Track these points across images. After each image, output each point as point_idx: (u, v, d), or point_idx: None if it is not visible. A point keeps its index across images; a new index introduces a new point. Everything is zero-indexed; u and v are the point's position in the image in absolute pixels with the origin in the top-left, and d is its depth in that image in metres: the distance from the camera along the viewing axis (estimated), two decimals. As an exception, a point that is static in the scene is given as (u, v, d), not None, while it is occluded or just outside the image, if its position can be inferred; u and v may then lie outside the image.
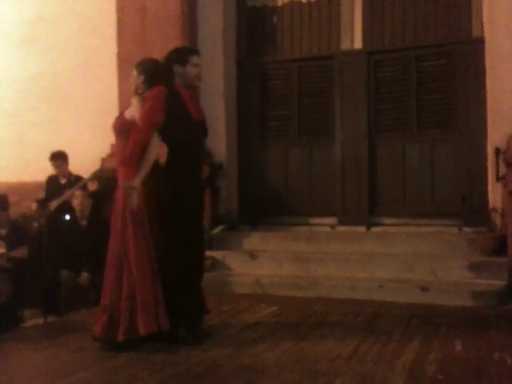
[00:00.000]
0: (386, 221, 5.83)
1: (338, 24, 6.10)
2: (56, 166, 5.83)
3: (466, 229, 5.49)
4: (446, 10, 5.74)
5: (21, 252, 4.32)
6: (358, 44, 6.06)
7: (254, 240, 5.75)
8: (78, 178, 5.73)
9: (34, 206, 5.72)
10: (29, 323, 4.22)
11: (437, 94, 5.75)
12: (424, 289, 4.58)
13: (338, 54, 6.09)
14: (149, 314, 3.35)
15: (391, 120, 5.91)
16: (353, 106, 5.98)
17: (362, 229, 5.77)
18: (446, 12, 5.75)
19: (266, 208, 6.25)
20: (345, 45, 6.11)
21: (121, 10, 6.20)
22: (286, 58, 6.31)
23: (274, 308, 4.46)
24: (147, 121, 3.42)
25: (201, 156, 3.70)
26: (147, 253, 3.42)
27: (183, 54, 3.64)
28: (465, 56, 5.65)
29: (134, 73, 3.63)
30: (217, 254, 5.43)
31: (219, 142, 6.04)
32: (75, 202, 5.27)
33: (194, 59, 3.62)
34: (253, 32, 6.43)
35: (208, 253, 4.87)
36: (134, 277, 3.38)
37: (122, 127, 3.56)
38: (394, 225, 5.76)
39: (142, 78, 3.58)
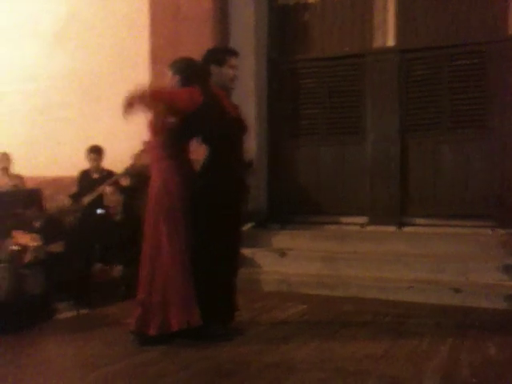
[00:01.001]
0: (418, 221, 5.75)
1: (371, 21, 6.03)
2: (93, 160, 5.95)
3: (499, 230, 5.38)
4: (481, 7, 5.62)
5: (57, 247, 4.41)
6: (390, 42, 5.99)
7: (283, 238, 5.74)
8: (110, 174, 5.82)
9: (67, 200, 5.84)
10: (62, 316, 4.30)
11: (470, 93, 5.64)
12: (456, 290, 4.51)
13: (370, 52, 6.02)
14: (181, 309, 3.38)
15: (423, 119, 5.82)
16: (384, 105, 5.90)
17: (393, 229, 5.70)
18: (481, 9, 5.63)
19: (295, 206, 6.23)
20: (377, 43, 6.04)
21: (153, 8, 6.26)
22: (317, 56, 6.27)
23: (303, 306, 4.45)
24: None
25: (240, 152, 3.68)
26: (180, 248, 3.45)
27: (221, 55, 3.63)
28: (500, 55, 5.53)
29: (169, 73, 3.63)
30: (246, 252, 5.42)
31: (249, 140, 6.01)
32: (106, 199, 5.36)
33: (232, 61, 3.61)
34: (284, 30, 6.41)
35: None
36: (166, 272, 3.41)
37: (161, 127, 3.59)
38: (425, 225, 5.67)
39: (177, 78, 3.59)
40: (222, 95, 3.61)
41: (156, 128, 3.55)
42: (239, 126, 3.66)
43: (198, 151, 3.69)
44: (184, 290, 3.42)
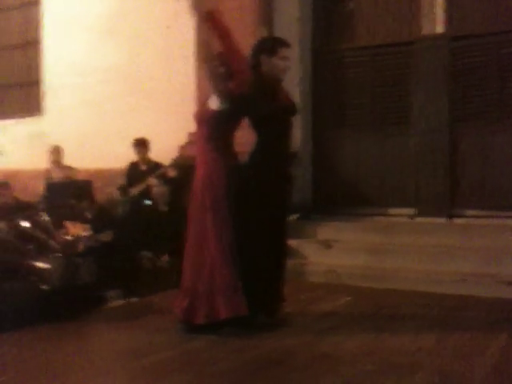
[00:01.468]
0: (469, 212, 5.58)
1: (419, 7, 5.88)
2: (138, 152, 6.09)
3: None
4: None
5: (107, 236, 4.52)
6: (439, 28, 5.82)
7: (328, 229, 5.69)
8: (158, 165, 5.91)
9: (115, 192, 5.98)
10: (112, 304, 4.39)
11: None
12: (509, 283, 4.38)
13: (418, 40, 5.87)
14: (229, 298, 3.41)
15: (474, 108, 5.64)
16: (433, 94, 5.75)
17: (442, 220, 5.56)
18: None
19: (340, 198, 6.17)
20: (425, 30, 5.88)
21: (198, 1, 6.27)
22: (362, 45, 6.16)
23: (350, 298, 4.42)
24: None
25: (287, 142, 3.67)
26: (226, 238, 3.47)
27: (272, 45, 3.61)
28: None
29: (216, 63, 3.64)
30: (291, 243, 5.39)
31: (293, 131, 5.99)
32: (152, 191, 5.46)
33: (283, 51, 3.58)
34: (329, 19, 6.33)
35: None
36: (213, 261, 3.45)
37: (206, 117, 3.62)
38: (476, 217, 5.51)
39: (223, 68, 3.60)
40: (273, 81, 3.59)
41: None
42: (290, 110, 3.64)
43: (243, 144, 3.69)
44: (230, 279, 3.44)
